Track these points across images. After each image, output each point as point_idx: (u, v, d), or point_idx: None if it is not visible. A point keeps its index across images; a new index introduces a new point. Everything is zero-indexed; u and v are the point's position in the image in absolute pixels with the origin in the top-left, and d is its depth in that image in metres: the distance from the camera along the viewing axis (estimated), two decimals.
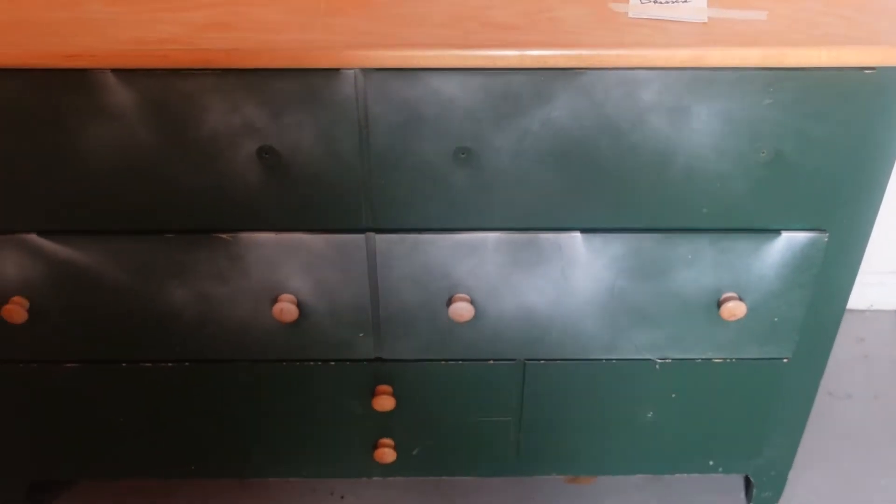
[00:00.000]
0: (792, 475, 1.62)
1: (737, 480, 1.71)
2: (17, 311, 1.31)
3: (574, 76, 1.11)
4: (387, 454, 1.51)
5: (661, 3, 1.14)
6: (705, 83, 1.12)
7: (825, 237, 1.27)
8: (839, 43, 1.09)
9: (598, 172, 1.20)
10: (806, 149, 1.17)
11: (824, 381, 1.71)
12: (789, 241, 1.27)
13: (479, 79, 1.11)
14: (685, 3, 1.14)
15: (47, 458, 1.55)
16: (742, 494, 1.68)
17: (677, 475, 1.71)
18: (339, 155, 1.18)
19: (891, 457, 1.75)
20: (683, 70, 1.10)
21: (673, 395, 1.46)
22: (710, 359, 1.41)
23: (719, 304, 1.32)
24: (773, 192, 1.22)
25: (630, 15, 1.13)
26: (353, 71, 1.10)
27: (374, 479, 1.69)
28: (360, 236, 1.27)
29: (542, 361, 1.41)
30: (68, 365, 1.41)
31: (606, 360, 1.41)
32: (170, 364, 1.41)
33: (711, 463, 1.58)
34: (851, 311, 2.02)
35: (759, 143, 1.17)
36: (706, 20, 1.12)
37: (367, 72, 1.11)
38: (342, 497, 1.68)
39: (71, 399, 1.46)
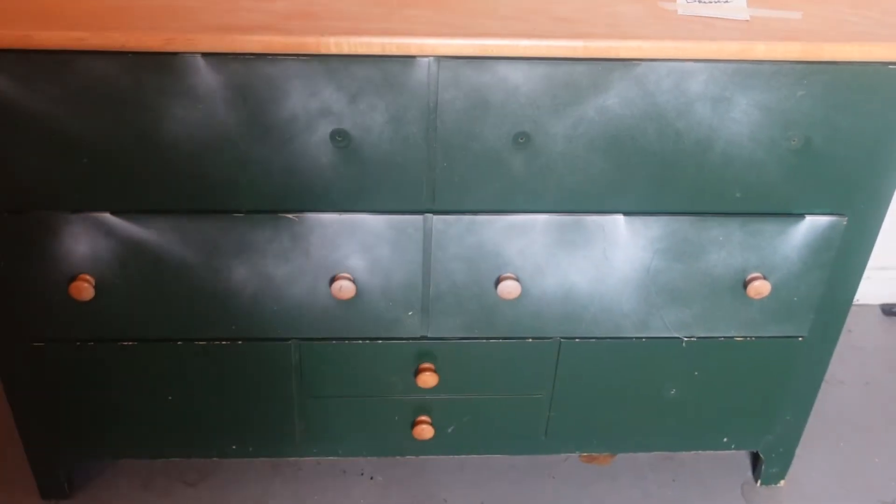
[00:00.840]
0: (795, 454, 1.73)
1: (744, 460, 1.81)
2: (84, 288, 1.36)
3: (630, 67, 1.21)
4: (425, 431, 1.58)
5: (705, 2, 1.26)
6: (747, 75, 1.23)
7: (844, 221, 1.39)
8: (868, 40, 1.20)
9: (643, 158, 1.30)
10: (832, 138, 1.29)
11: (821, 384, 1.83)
12: (812, 225, 1.39)
13: (544, 68, 1.21)
14: (727, 3, 1.25)
15: (92, 439, 1.60)
16: (749, 473, 1.79)
17: (689, 454, 1.81)
18: (407, 139, 1.26)
19: (882, 436, 1.87)
20: (729, 62, 1.21)
21: (696, 373, 1.56)
22: (732, 337, 1.51)
23: (745, 283, 1.43)
24: (801, 178, 1.33)
25: (679, 12, 1.24)
26: (427, 59, 1.19)
27: (402, 460, 1.77)
28: (419, 217, 1.35)
29: (577, 340, 1.50)
30: (125, 343, 1.46)
31: (637, 338, 1.51)
32: (224, 342, 1.47)
33: (725, 440, 1.68)
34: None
35: (791, 131, 1.28)
36: (748, 18, 1.24)
37: (441, 59, 1.20)
38: (371, 478, 1.75)
39: (123, 379, 1.51)
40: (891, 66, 1.23)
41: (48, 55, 1.16)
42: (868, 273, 2.13)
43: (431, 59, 1.20)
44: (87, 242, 1.34)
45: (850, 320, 2.14)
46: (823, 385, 1.91)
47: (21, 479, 1.71)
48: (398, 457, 1.76)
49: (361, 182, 1.30)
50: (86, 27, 1.14)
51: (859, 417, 1.92)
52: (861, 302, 2.19)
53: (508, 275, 1.40)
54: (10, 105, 1.20)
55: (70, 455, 1.63)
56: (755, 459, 1.79)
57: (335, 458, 1.75)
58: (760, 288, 1.41)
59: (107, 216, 1.32)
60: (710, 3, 1.26)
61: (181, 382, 1.52)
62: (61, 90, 1.19)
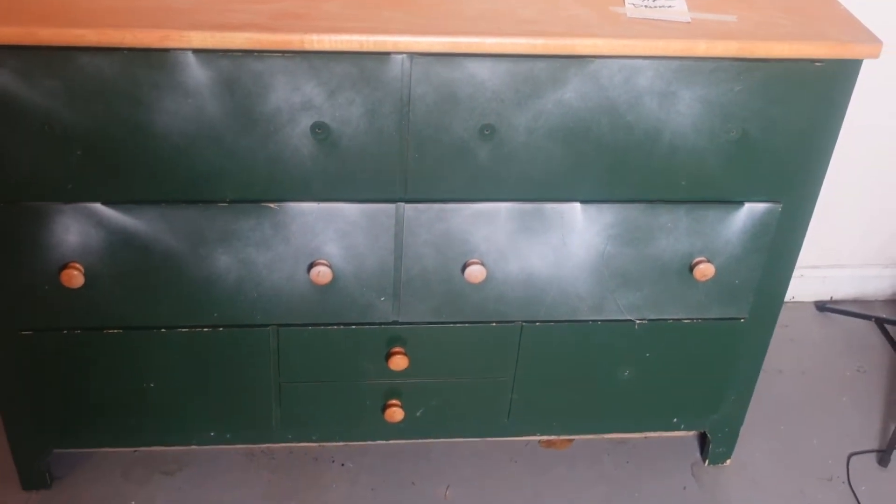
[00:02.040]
0: (739, 437, 1.86)
1: (692, 443, 1.93)
2: (74, 276, 1.44)
3: (585, 63, 1.34)
4: (396, 413, 1.67)
5: (651, 6, 1.39)
6: (689, 72, 1.36)
7: (779, 207, 1.52)
8: (796, 39, 1.35)
9: (597, 148, 1.42)
10: (767, 129, 1.43)
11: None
12: (750, 211, 1.52)
13: (507, 64, 1.33)
14: (671, 7, 1.39)
15: (74, 428, 1.66)
16: (698, 454, 1.91)
17: (641, 439, 1.92)
18: (381, 131, 1.37)
19: (819, 420, 2.01)
20: (673, 59, 1.34)
21: (647, 355, 1.68)
22: (680, 319, 1.64)
23: (691, 267, 1.56)
24: (739, 167, 1.46)
25: (628, 15, 1.37)
26: (401, 55, 1.31)
27: (372, 447, 1.86)
28: (392, 206, 1.45)
29: (538, 323, 1.61)
30: (110, 331, 1.54)
31: (593, 321, 1.62)
32: (205, 329, 1.56)
33: (675, 420, 1.80)
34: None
35: (730, 123, 1.42)
36: (689, 20, 1.37)
37: (414, 56, 1.31)
38: (342, 464, 1.84)
39: (107, 367, 1.58)
40: (817, 63, 1.37)
41: (50, 51, 1.25)
42: (801, 272, 2.28)
43: (405, 55, 1.31)
44: (77, 232, 1.42)
45: (787, 316, 2.28)
46: (763, 374, 2.05)
47: (2, 472, 1.76)
48: (369, 442, 1.84)
49: (339, 172, 1.40)
50: (86, 24, 1.23)
51: (797, 403, 2.06)
52: (796, 299, 2.34)
53: (474, 260, 1.51)
54: (10, 99, 1.28)
55: (52, 443, 1.69)
56: (703, 442, 1.91)
57: (308, 444, 1.83)
58: (706, 270, 1.54)
59: (98, 206, 1.40)
60: (656, 7, 1.39)
61: (163, 370, 1.60)
62: (60, 84, 1.28)
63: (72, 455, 1.80)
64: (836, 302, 2.35)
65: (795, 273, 2.24)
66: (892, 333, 2.22)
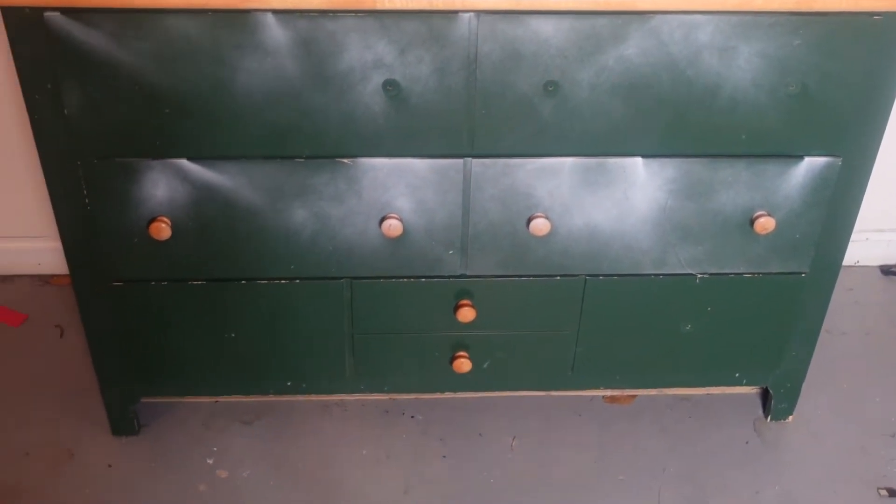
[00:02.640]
0: (802, 394, 1.89)
1: (755, 400, 1.97)
2: (163, 228, 1.53)
3: (645, 19, 1.38)
4: (464, 364, 1.74)
5: None
6: (748, 26, 1.40)
7: (839, 162, 1.55)
8: None
9: (658, 103, 1.47)
10: (825, 83, 1.46)
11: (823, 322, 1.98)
12: (810, 165, 1.55)
13: (570, 21, 1.38)
14: None
15: (160, 376, 1.77)
16: (760, 411, 1.95)
17: (703, 396, 1.96)
18: (449, 88, 1.43)
19: (883, 379, 2.03)
20: (732, 14, 1.38)
21: (709, 309, 1.72)
22: (741, 273, 1.67)
23: (752, 221, 1.59)
24: (798, 121, 1.50)
25: None
26: (468, 14, 1.37)
27: (441, 400, 1.93)
28: (459, 161, 1.52)
29: (601, 277, 1.67)
30: (194, 283, 1.63)
31: (655, 275, 1.67)
32: (283, 281, 1.64)
33: (737, 375, 1.84)
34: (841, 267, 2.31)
35: (789, 77, 1.45)
36: None
37: (481, 14, 1.37)
38: (412, 416, 1.91)
39: (191, 318, 1.67)
40: (875, 17, 1.39)
41: (141, 14, 1.34)
42: (866, 235, 2.29)
43: (472, 14, 1.37)
44: (165, 187, 1.52)
45: (851, 279, 2.30)
46: (827, 335, 2.08)
47: (95, 418, 1.88)
48: (438, 395, 1.92)
49: (409, 129, 1.47)
50: None
51: (861, 363, 2.07)
52: (861, 263, 2.35)
53: (539, 214, 1.57)
54: (105, 60, 1.38)
55: (140, 391, 1.80)
56: (765, 399, 1.95)
57: (380, 396, 1.92)
58: (766, 224, 1.57)
59: (184, 162, 1.50)
60: None
61: (243, 321, 1.69)
62: (150, 46, 1.37)
63: (157, 405, 1.91)
64: None
65: (860, 236, 2.25)
66: None
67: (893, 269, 2.32)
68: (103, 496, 1.74)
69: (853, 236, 2.18)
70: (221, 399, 1.93)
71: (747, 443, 1.88)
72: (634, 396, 1.97)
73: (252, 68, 1.40)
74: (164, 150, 1.48)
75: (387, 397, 1.94)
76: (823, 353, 2.06)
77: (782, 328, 1.76)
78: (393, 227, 1.55)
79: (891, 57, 1.44)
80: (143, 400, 1.86)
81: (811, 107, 1.48)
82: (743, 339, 1.77)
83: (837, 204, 1.60)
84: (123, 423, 1.84)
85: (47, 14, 1.33)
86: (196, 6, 1.33)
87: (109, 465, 1.80)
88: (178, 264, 1.60)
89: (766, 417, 1.92)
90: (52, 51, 1.37)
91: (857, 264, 2.35)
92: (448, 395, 1.94)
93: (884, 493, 1.77)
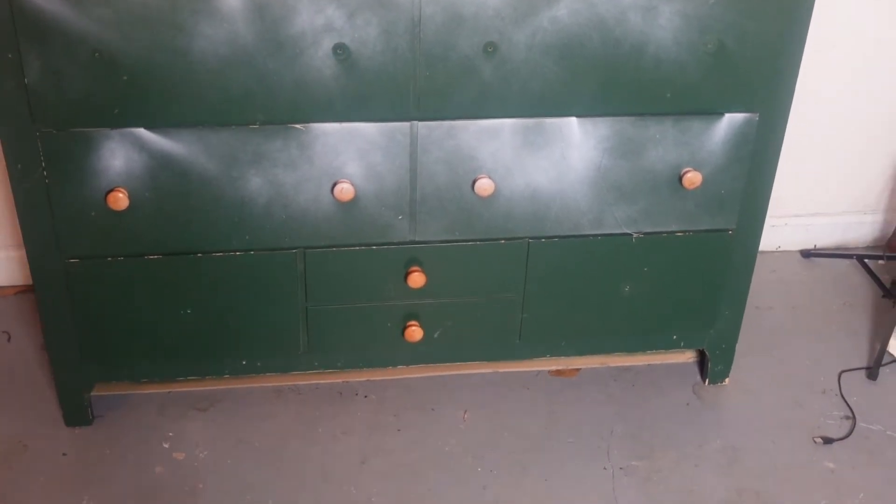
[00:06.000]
0: (736, 362, 2.00)
1: (692, 368, 2.06)
2: (120, 198, 1.58)
3: None
4: (415, 332, 1.80)
5: None
6: None
7: (756, 118, 1.68)
8: None
9: (590, 63, 1.58)
10: (740, 40, 1.59)
11: (751, 299, 2.10)
12: (730, 122, 1.67)
13: None
14: None
15: (116, 360, 1.78)
16: (698, 377, 2.04)
17: (644, 366, 2.05)
18: (395, 50, 1.53)
19: (810, 345, 2.15)
20: None
21: (645, 269, 1.82)
22: (673, 232, 1.78)
23: (680, 178, 1.70)
24: (717, 78, 1.62)
25: None
26: None
27: (393, 381, 1.98)
28: (406, 124, 1.60)
29: (543, 240, 1.75)
30: (150, 258, 1.67)
31: (594, 235, 1.76)
32: (238, 254, 1.69)
33: (675, 337, 1.93)
34: (763, 252, 2.44)
35: (707, 36, 1.58)
36: None
37: None
38: (365, 396, 1.96)
39: (146, 294, 1.70)
40: None
41: None
42: (786, 221, 2.43)
43: None
44: (122, 157, 1.57)
45: (774, 263, 2.43)
46: (755, 310, 2.19)
47: (47, 413, 1.88)
48: (390, 372, 1.97)
49: (358, 92, 1.56)
50: None
51: (789, 332, 2.19)
52: (782, 248, 2.49)
53: (483, 175, 1.66)
54: (64, 28, 1.44)
55: (95, 377, 1.81)
56: (702, 367, 2.04)
57: (333, 379, 1.96)
58: (693, 178, 1.69)
59: (141, 131, 1.55)
60: None
61: (199, 297, 1.72)
62: (110, 12, 1.43)
63: (110, 397, 1.92)
64: (820, 249, 2.49)
65: (780, 222, 2.40)
66: (872, 270, 2.36)
67: (813, 252, 2.46)
68: (59, 484, 1.73)
69: (773, 222, 2.34)
70: (175, 388, 1.94)
71: (688, 404, 1.96)
72: (579, 370, 2.05)
73: (208, 34, 1.47)
74: (123, 119, 1.53)
75: (340, 380, 1.98)
76: (753, 324, 2.18)
77: (714, 285, 1.86)
78: (345, 190, 1.62)
79: (798, 13, 1.59)
80: (97, 391, 1.87)
81: (728, 64, 1.61)
82: (678, 298, 1.87)
83: (757, 159, 1.73)
84: (77, 413, 1.84)
85: None
86: None
87: (64, 454, 1.80)
88: (134, 238, 1.64)
89: (704, 382, 2.02)
90: (14, 19, 1.42)
91: (778, 249, 2.49)
92: (399, 375, 1.99)
93: (819, 441, 1.87)
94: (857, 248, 2.52)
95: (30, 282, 2.27)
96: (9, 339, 2.10)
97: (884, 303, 2.29)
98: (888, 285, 2.31)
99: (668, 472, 1.79)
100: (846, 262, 2.44)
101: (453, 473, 1.78)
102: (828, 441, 1.87)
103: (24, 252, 2.20)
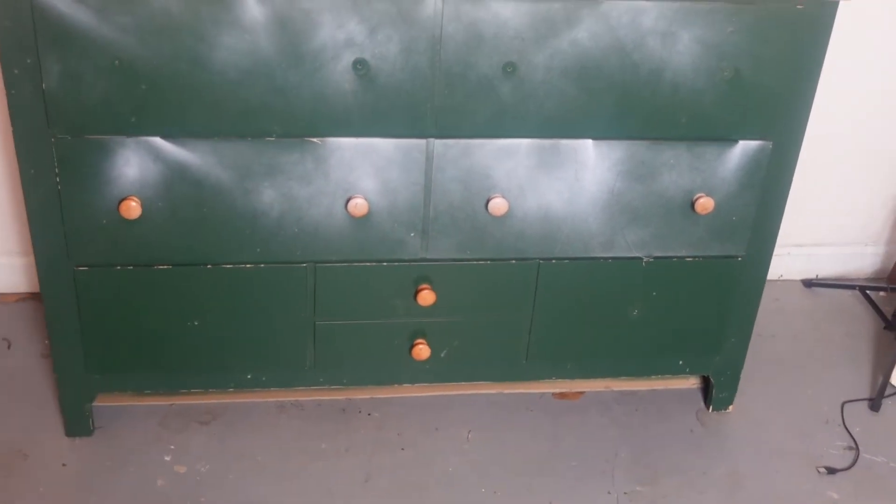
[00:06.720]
0: (740, 390, 2.00)
1: (695, 394, 2.06)
2: (132, 207, 1.57)
3: (596, 4, 1.51)
4: (423, 351, 1.79)
5: None
6: (687, 13, 1.54)
7: (770, 145, 1.69)
8: None
9: (607, 86, 1.59)
10: (756, 68, 1.60)
11: (754, 327, 2.10)
12: (744, 149, 1.68)
13: (528, 4, 1.50)
14: None
15: (121, 370, 1.76)
16: (702, 403, 2.03)
17: (648, 391, 2.05)
18: (415, 68, 1.53)
19: (813, 374, 2.15)
20: (674, 1, 1.52)
21: (654, 294, 1.82)
22: (683, 257, 1.78)
23: (693, 203, 1.71)
24: (733, 105, 1.63)
25: None
26: None
27: (397, 399, 1.97)
28: (422, 141, 1.60)
29: (553, 261, 1.75)
30: (160, 268, 1.66)
31: (604, 258, 1.76)
32: (248, 266, 1.68)
33: (681, 363, 1.93)
34: (766, 280, 2.45)
35: (724, 62, 1.59)
36: None
37: None
38: (369, 414, 1.95)
39: (154, 304, 1.69)
40: (798, 6, 1.55)
41: None
42: (788, 250, 2.44)
43: None
44: (137, 165, 1.56)
45: (777, 292, 2.44)
46: (758, 338, 2.20)
47: (48, 422, 1.86)
48: (394, 390, 1.96)
49: (376, 108, 1.56)
50: None
51: (792, 362, 2.19)
52: (785, 277, 2.49)
53: (497, 194, 1.66)
54: (86, 35, 1.43)
55: (98, 387, 1.79)
56: (706, 394, 2.04)
57: (336, 396, 1.95)
58: (706, 203, 1.69)
59: (157, 140, 1.55)
60: None
61: (207, 309, 1.72)
62: (132, 21, 1.43)
63: (111, 409, 1.90)
64: (822, 279, 2.50)
65: (783, 251, 2.41)
66: (875, 301, 2.37)
67: (814, 282, 2.46)
68: (59, 494, 1.71)
69: (776, 250, 2.34)
70: (177, 401, 1.93)
71: (692, 431, 1.96)
72: (582, 393, 2.04)
73: (229, 45, 1.47)
74: (139, 127, 1.53)
75: (343, 397, 1.97)
76: (756, 353, 2.18)
77: (721, 313, 1.86)
78: (359, 205, 1.62)
79: (813, 44, 1.60)
80: (99, 402, 1.85)
81: (744, 92, 1.62)
82: (685, 324, 1.87)
83: (769, 186, 1.73)
84: (78, 423, 1.82)
85: None
86: None
87: (64, 465, 1.78)
88: (144, 247, 1.63)
89: (708, 408, 2.01)
90: (36, 24, 1.42)
91: (780, 278, 2.49)
92: (403, 393, 1.98)
93: (823, 470, 1.87)
94: (858, 280, 2.53)
95: (32, 289, 2.26)
96: (9, 347, 2.08)
97: (886, 335, 2.30)
98: (890, 317, 2.32)
99: (672, 498, 1.78)
100: (848, 292, 2.45)
101: (457, 494, 1.77)
102: (831, 471, 1.86)
103: (27, 259, 2.21)
